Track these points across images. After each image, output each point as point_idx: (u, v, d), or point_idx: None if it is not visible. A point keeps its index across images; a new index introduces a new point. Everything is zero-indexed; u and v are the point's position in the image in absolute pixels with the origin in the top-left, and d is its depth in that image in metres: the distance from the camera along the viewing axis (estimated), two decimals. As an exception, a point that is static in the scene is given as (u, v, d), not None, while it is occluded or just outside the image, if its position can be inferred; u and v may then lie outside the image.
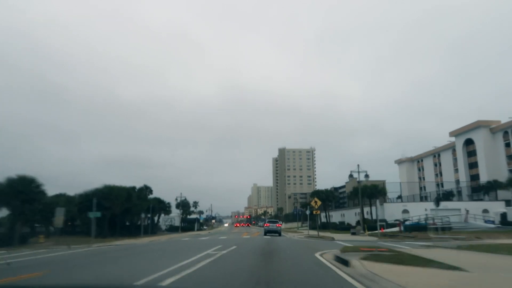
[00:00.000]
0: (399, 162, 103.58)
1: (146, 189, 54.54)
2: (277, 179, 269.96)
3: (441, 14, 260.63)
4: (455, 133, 77.87)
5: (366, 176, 33.37)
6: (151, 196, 55.39)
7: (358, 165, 33.00)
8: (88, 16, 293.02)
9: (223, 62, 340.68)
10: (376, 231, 33.30)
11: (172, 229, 71.40)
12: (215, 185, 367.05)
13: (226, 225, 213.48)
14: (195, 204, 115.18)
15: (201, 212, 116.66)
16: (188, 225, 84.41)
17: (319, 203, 33.13)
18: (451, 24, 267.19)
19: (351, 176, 33.63)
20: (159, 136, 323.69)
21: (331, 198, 65.36)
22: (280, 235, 39.52)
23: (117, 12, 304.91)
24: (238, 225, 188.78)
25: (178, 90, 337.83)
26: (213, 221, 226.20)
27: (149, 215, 58.27)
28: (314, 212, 35.62)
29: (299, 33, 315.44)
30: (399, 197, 66.48)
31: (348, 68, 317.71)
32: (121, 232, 42.20)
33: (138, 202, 45.17)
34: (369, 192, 49.67)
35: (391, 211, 52.02)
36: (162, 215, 73.09)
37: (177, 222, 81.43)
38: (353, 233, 36.23)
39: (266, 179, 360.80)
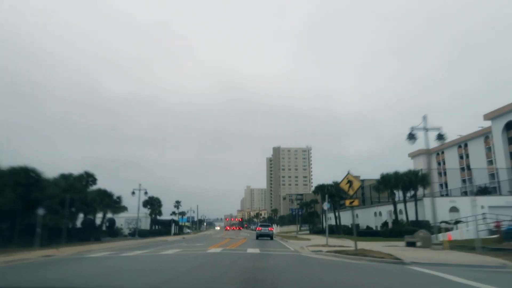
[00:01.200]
0: (414, 155, 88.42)
1: (87, 178, 38.43)
2: (271, 180, 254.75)
3: (442, 4, 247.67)
4: (492, 116, 62.79)
5: (440, 137, 17.69)
6: (94, 188, 39.27)
7: (424, 117, 17.32)
8: (65, 8, 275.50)
9: (211, 58, 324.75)
10: (438, 242, 18.19)
11: (139, 234, 55.55)
12: (207, 187, 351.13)
13: (217, 228, 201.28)
14: (178, 204, 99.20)
15: (182, 213, 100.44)
16: (162, 228, 68.35)
17: (356, 184, 17.30)
18: (453, 14, 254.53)
19: (410, 136, 17.71)
20: (146, 136, 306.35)
21: (343, 193, 49.86)
22: (272, 238, 39.37)
23: (96, 4, 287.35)
24: (228, 228, 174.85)
25: (165, 88, 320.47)
26: (204, 224, 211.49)
27: (97, 216, 42.73)
28: (348, 203, 19.76)
29: (291, 27, 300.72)
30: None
31: (343, 64, 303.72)
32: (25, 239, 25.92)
33: (58, 192, 29.12)
34: (406, 181, 33.89)
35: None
36: (124, 214, 56.94)
37: (146, 225, 65.40)
38: (411, 244, 20.39)
39: (260, 181, 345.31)
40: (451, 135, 75.88)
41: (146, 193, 43.24)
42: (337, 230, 48.68)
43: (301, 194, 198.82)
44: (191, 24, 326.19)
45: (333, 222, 55.93)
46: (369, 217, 49.00)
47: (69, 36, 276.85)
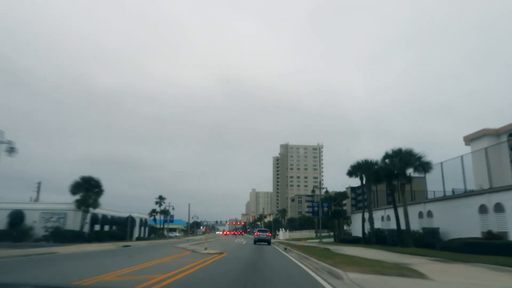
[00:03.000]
0: (474, 138, 64.82)
1: None
2: (277, 181, 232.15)
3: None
4: None
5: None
6: None
7: None
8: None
9: (209, 49, 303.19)
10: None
11: (60, 236, 33.33)
12: (210, 190, 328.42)
13: (218, 233, 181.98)
14: (160, 200, 77.13)
15: (166, 212, 78.17)
16: (119, 229, 46.17)
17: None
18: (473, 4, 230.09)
19: None
20: (140, 133, 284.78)
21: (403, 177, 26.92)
22: (269, 244, 39.46)
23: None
24: (227, 233, 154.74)
25: (161, 80, 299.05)
26: (203, 228, 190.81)
27: None
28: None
29: (293, 16, 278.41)
30: None
31: (351, 57, 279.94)
32: None
33: None
34: None
35: None
36: (40, 205, 35.12)
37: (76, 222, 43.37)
38: None
39: (265, 184, 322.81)
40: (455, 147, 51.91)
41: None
42: (401, 239, 25.90)
43: (312, 195, 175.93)
44: (187, 11, 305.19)
45: (389, 224, 33.45)
46: (465, 217, 25.91)
47: (56, 18, 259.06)
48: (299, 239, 57.15)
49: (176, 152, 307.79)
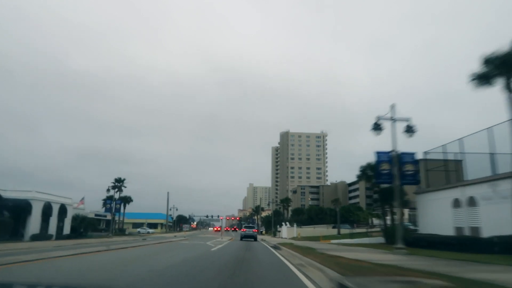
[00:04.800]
0: None
1: None
2: (277, 172, 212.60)
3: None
4: None
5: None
6: None
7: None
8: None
9: (197, 31, 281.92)
10: None
11: None
12: (206, 187, 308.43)
13: (210, 229, 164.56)
14: (119, 184, 57.05)
15: (126, 199, 57.97)
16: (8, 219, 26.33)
17: None
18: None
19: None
20: (126, 122, 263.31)
21: None
22: (255, 240, 40.16)
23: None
24: (219, 229, 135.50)
25: (145, 66, 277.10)
26: (194, 223, 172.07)
27: None
28: None
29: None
30: None
31: (354, 41, 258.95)
32: None
33: None
34: None
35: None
36: None
37: None
38: None
39: (263, 179, 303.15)
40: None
41: None
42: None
43: (317, 186, 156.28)
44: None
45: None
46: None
47: None
48: (316, 238, 37.30)
49: (167, 145, 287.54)
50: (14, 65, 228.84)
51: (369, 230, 43.90)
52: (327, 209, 66.57)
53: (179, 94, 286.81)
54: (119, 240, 33.13)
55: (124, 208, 55.18)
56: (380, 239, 28.84)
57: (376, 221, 54.71)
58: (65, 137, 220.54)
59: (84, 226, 39.38)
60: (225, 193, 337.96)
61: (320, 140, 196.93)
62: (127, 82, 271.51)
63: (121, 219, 58.45)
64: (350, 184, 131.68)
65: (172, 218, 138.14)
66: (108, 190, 55.97)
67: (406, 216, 37.85)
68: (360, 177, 31.25)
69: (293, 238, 41.77)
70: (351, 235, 38.82)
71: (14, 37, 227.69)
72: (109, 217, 54.58)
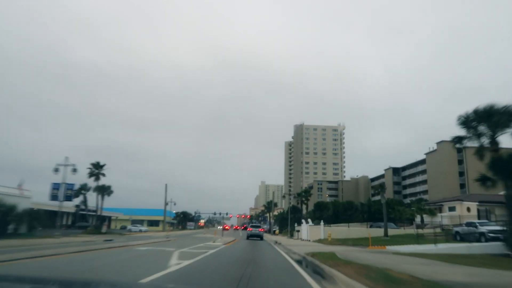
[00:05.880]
0: None
1: None
2: (290, 168, 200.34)
3: None
4: None
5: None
6: None
7: None
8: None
9: (203, 23, 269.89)
10: None
11: None
12: (217, 185, 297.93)
13: (220, 227, 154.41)
14: (96, 170, 45.69)
15: (103, 189, 46.27)
16: None
17: None
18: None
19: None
20: (135, 120, 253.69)
21: None
22: (262, 239, 39.96)
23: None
24: (228, 227, 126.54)
25: (150, 59, 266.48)
26: (201, 221, 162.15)
27: None
28: None
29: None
30: None
31: (365, 30, 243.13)
32: None
33: None
34: None
35: None
36: None
37: None
38: None
39: (276, 177, 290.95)
40: None
41: None
42: None
43: (336, 182, 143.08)
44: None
45: None
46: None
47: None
48: (355, 241, 24.99)
49: (175, 142, 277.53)
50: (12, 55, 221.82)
51: (419, 230, 31.49)
52: (358, 204, 54.09)
53: (185, 87, 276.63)
54: (59, 242, 21.57)
55: (102, 200, 43.76)
56: (496, 247, 16.56)
57: (427, 218, 42.06)
58: (72, 134, 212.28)
59: (29, 221, 28.06)
60: (237, 191, 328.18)
61: (337, 133, 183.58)
62: (131, 75, 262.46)
63: (119, 215, 46.65)
64: (373, 180, 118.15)
65: (175, 214, 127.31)
66: (91, 176, 44.56)
67: None
68: (466, 130, 17.29)
69: (319, 241, 29.65)
70: (405, 238, 26.41)
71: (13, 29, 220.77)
72: (109, 212, 43.09)
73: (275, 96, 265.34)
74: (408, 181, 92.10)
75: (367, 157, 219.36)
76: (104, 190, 43.26)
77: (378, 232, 31.61)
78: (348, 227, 34.16)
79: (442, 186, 72.65)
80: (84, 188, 44.32)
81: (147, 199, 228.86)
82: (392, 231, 32.01)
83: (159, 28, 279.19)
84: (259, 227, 45.95)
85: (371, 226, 35.73)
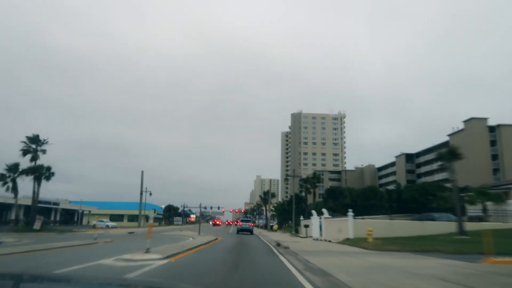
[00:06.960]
0: None
1: None
2: (287, 159, 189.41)
3: None
4: None
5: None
6: None
7: None
8: None
9: (195, 10, 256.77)
10: None
11: None
12: (211, 180, 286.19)
13: (211, 223, 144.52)
14: (34, 146, 33.54)
15: (38, 170, 34.05)
16: None
17: None
18: None
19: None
20: (122, 112, 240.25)
21: None
22: (252, 233, 40.43)
23: None
24: (219, 223, 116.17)
25: (135, 45, 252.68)
26: (192, 216, 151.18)
27: None
28: None
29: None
30: None
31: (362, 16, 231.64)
32: None
33: None
34: None
35: None
36: None
37: None
38: None
39: (271, 171, 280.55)
40: None
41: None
42: None
43: (339, 172, 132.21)
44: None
45: None
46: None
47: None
48: (420, 243, 13.61)
49: (165, 133, 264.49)
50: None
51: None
52: (384, 191, 42.68)
53: (174, 77, 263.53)
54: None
55: (39, 186, 31.62)
56: None
57: (470, 207, 30.72)
58: (60, 126, 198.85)
59: None
60: (232, 186, 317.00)
61: (337, 122, 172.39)
62: (118, 62, 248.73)
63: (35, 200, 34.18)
64: (380, 169, 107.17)
65: (162, 209, 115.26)
66: (24, 154, 32.53)
67: None
68: None
69: (349, 242, 18.16)
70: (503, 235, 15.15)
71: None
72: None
73: (271, 86, 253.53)
74: (423, 169, 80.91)
75: (367, 147, 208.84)
76: (38, 172, 31.09)
77: (438, 227, 20.20)
78: (391, 219, 22.72)
79: (469, 172, 61.49)
80: (13, 169, 31.94)
81: (136, 194, 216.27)
82: (449, 224, 20.58)
83: (145, 15, 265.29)
84: (249, 221, 47.31)
85: (419, 219, 24.35)
